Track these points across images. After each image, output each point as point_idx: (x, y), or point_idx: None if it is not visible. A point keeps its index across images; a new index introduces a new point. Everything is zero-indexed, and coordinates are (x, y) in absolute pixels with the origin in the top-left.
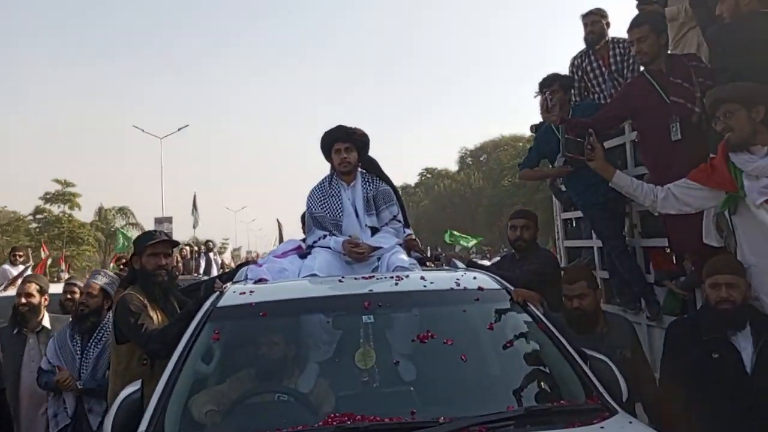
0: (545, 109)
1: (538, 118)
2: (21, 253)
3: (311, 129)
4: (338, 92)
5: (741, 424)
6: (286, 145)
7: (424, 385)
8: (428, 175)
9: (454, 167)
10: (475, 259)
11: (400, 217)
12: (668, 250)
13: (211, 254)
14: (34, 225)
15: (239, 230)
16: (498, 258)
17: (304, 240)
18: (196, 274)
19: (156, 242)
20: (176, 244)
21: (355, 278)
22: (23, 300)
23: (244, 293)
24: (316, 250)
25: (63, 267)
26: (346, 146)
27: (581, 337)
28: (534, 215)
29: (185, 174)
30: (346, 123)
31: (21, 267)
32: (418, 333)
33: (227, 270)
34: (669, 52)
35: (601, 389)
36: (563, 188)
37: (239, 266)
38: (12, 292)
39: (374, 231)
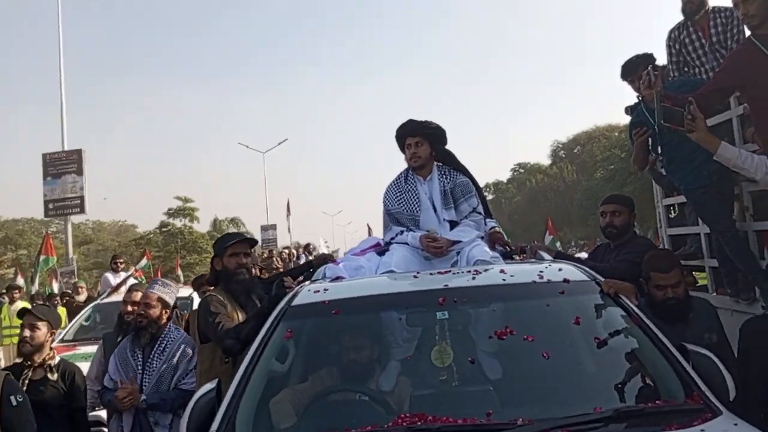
0: (648, 85)
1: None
2: (121, 260)
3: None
4: (427, 95)
5: None
6: (377, 150)
7: (503, 384)
8: (520, 170)
9: (546, 161)
10: (571, 252)
11: (480, 209)
12: None
13: (311, 257)
14: (161, 237)
15: (336, 233)
16: None
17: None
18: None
19: (236, 242)
20: (255, 243)
21: (431, 273)
22: (129, 308)
23: (318, 291)
24: (393, 247)
25: (179, 273)
26: (416, 140)
27: (668, 327)
28: (627, 200)
29: (286, 184)
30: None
31: (123, 274)
32: (496, 329)
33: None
34: None
35: (703, 387)
36: (664, 172)
37: (308, 263)
38: (115, 298)
39: (453, 225)
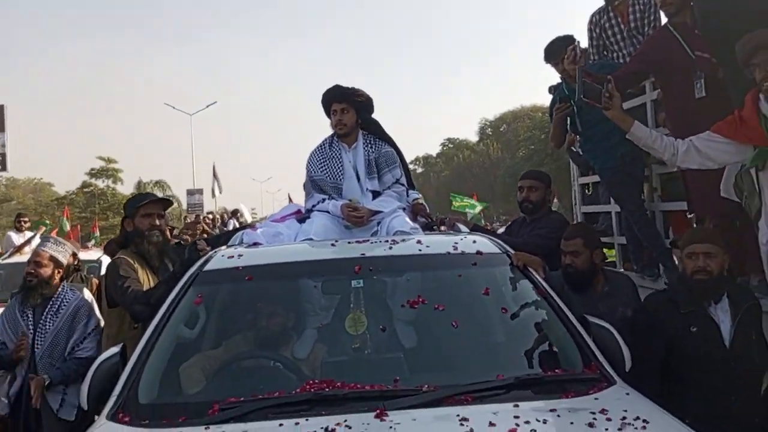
0: (572, 60)
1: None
2: (26, 219)
3: None
4: (359, 63)
5: (720, 397)
6: (308, 116)
7: (413, 352)
8: (450, 145)
9: (474, 138)
10: (495, 227)
11: (403, 180)
12: (689, 215)
13: (237, 222)
14: (82, 198)
15: (265, 200)
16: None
17: None
18: None
19: (148, 202)
20: (169, 204)
21: (349, 242)
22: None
23: (233, 257)
24: (314, 214)
25: (97, 234)
26: (342, 107)
27: (578, 296)
28: (544, 176)
29: (215, 147)
30: (368, 92)
31: (28, 234)
32: (409, 298)
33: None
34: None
35: (600, 358)
36: (580, 152)
37: (236, 230)
38: (17, 258)
39: (376, 195)
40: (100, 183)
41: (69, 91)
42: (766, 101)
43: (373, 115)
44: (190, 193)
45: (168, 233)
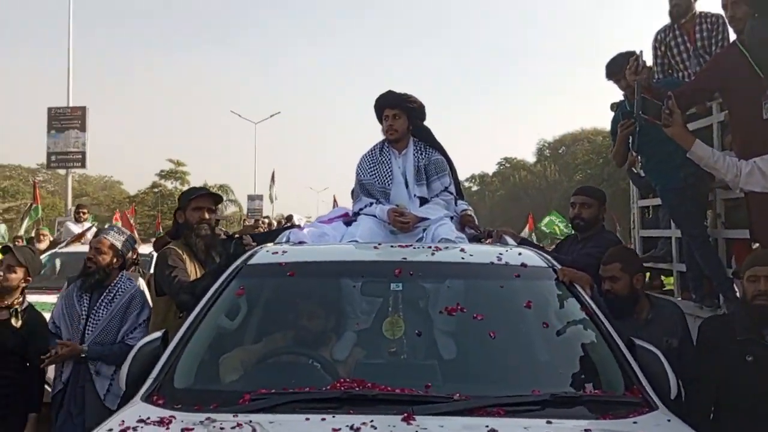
0: (634, 71)
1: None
2: (85, 210)
3: None
4: (424, 80)
5: None
6: (364, 126)
7: (448, 360)
8: (506, 165)
9: (532, 159)
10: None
11: (452, 188)
12: (753, 244)
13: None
14: (152, 197)
15: (321, 209)
16: None
17: None
18: None
19: (199, 196)
20: (220, 199)
21: (392, 246)
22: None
23: (277, 253)
24: (361, 218)
25: (160, 231)
26: (394, 113)
27: (622, 323)
28: (598, 193)
29: (276, 156)
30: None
31: (86, 224)
32: (447, 305)
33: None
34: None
35: (644, 382)
36: (641, 173)
37: (283, 229)
38: (76, 248)
39: (424, 201)
40: (169, 184)
41: (144, 96)
42: None
43: (427, 123)
44: (251, 198)
45: (215, 228)
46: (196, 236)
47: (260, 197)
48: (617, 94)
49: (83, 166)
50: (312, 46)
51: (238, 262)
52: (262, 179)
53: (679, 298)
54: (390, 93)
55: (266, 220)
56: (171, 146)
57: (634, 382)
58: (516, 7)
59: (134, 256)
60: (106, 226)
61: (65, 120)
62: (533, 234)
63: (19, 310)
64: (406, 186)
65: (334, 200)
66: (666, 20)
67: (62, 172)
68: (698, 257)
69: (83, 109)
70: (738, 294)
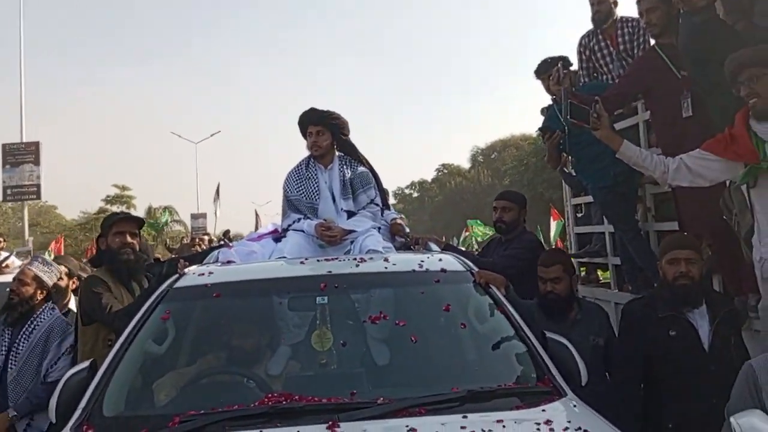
0: (556, 81)
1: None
2: (2, 239)
3: None
4: (362, 91)
5: (699, 402)
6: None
7: (375, 366)
8: (444, 171)
9: (467, 165)
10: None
11: (378, 200)
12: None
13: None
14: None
15: (264, 223)
16: None
17: None
18: None
19: (120, 220)
20: (142, 223)
21: (318, 260)
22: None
23: (203, 274)
24: (289, 234)
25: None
26: (318, 129)
27: (552, 323)
28: (518, 197)
29: (218, 173)
30: (365, 119)
31: (3, 253)
32: (372, 314)
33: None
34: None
35: (554, 372)
36: (573, 173)
37: (212, 248)
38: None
39: (351, 215)
40: (115, 209)
41: (86, 120)
42: (755, 119)
43: (369, 133)
44: (194, 217)
45: (139, 252)
46: (119, 261)
47: (204, 215)
48: (546, 98)
49: (38, 197)
50: (251, 62)
51: (165, 285)
52: (204, 198)
53: (617, 290)
54: (313, 110)
55: (206, 238)
56: (115, 169)
57: (546, 373)
58: (448, 17)
59: (74, 286)
60: (32, 255)
61: (19, 155)
62: (470, 237)
63: None
64: (333, 200)
65: (256, 215)
66: (589, 26)
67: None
68: (632, 250)
69: (37, 144)
70: None
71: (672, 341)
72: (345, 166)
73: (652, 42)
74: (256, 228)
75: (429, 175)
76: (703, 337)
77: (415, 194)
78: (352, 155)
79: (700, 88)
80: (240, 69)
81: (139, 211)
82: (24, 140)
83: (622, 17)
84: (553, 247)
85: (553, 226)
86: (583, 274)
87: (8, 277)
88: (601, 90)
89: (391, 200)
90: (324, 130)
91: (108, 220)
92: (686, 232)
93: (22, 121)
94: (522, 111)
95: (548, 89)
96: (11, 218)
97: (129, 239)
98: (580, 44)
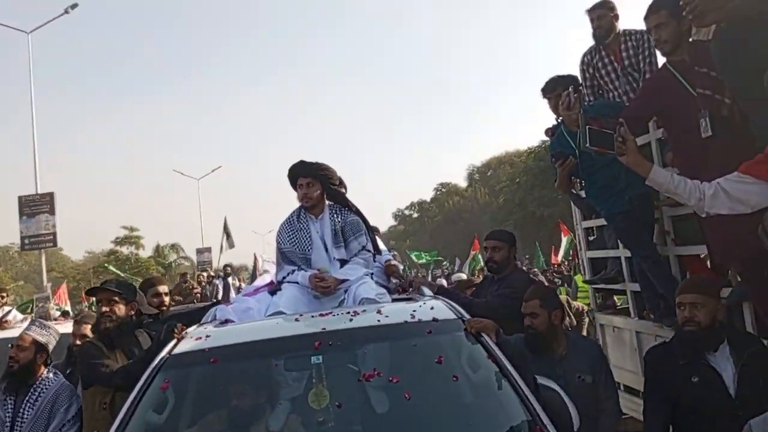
0: (566, 106)
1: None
2: (4, 294)
3: (330, 153)
4: (361, 113)
5: None
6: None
7: (370, 424)
8: (442, 190)
9: (463, 183)
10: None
11: (369, 246)
12: (702, 256)
13: (229, 279)
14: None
15: (267, 251)
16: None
17: None
18: (214, 300)
19: (96, 290)
20: (116, 292)
21: (312, 316)
22: (78, 342)
23: (200, 338)
24: (284, 286)
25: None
26: (307, 181)
27: (538, 359)
28: (507, 235)
29: (221, 205)
30: (363, 139)
31: (6, 308)
32: (366, 371)
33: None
34: (691, 39)
35: (545, 420)
36: (582, 194)
37: (211, 305)
38: (6, 333)
39: (344, 263)
40: (125, 249)
41: (91, 161)
42: None
43: (369, 157)
44: (199, 251)
45: (123, 317)
46: (97, 332)
47: (209, 249)
48: (541, 116)
49: (55, 245)
50: (248, 90)
51: (164, 352)
52: (208, 232)
53: (636, 319)
54: (302, 163)
55: (204, 274)
56: (121, 209)
57: (537, 422)
58: (441, 37)
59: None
60: (14, 310)
61: (35, 206)
62: (479, 254)
63: None
64: (326, 250)
65: (255, 258)
66: (590, 42)
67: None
68: (651, 277)
69: (51, 194)
70: None
71: (695, 388)
72: (335, 215)
73: (659, 56)
74: (254, 271)
75: (428, 195)
76: (728, 381)
77: (415, 215)
78: (342, 203)
79: (743, 104)
80: (237, 99)
81: (148, 250)
82: (39, 191)
83: (624, 30)
84: (558, 262)
85: (564, 241)
86: (599, 300)
87: (9, 333)
88: (611, 108)
89: (392, 222)
90: (314, 181)
91: (90, 291)
92: (713, 260)
93: (36, 173)
94: (516, 127)
95: (554, 109)
96: (18, 262)
97: (105, 308)
98: (582, 62)
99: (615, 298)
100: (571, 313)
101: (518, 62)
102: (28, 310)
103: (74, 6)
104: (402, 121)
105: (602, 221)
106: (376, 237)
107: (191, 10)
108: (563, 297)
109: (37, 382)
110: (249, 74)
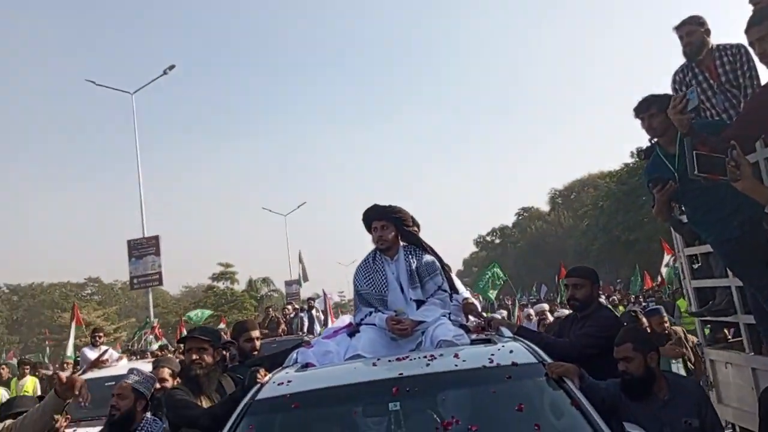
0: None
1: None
2: (101, 334)
3: (417, 181)
4: (440, 143)
5: None
6: (387, 198)
7: None
8: (524, 214)
9: (545, 207)
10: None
11: (445, 286)
12: None
13: (313, 311)
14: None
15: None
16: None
17: None
18: (300, 333)
19: (186, 339)
20: (205, 340)
21: (389, 360)
22: (158, 386)
23: (282, 384)
24: (362, 328)
25: (224, 326)
26: (382, 224)
27: (639, 404)
28: (589, 272)
29: (307, 239)
30: (436, 169)
31: (102, 348)
32: (444, 419)
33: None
34: None
35: None
36: (684, 219)
37: (293, 348)
38: (92, 374)
39: (420, 303)
40: (221, 285)
41: (186, 200)
42: None
43: (449, 184)
44: (288, 284)
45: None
46: (186, 379)
47: (297, 281)
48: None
49: (160, 284)
50: (327, 130)
51: (247, 398)
52: (296, 265)
53: (752, 354)
54: (375, 207)
55: (290, 308)
56: (216, 246)
57: None
58: (516, 57)
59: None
60: (110, 350)
61: (143, 248)
62: (564, 281)
63: None
64: (402, 291)
65: (324, 295)
66: (681, 60)
67: None
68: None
69: (157, 237)
70: None
71: None
72: (410, 256)
73: (759, 67)
74: (325, 306)
75: (508, 220)
76: None
77: (497, 240)
78: (416, 244)
79: None
80: (321, 137)
81: (242, 284)
82: (145, 235)
83: (717, 45)
84: (657, 283)
85: (666, 259)
86: (707, 333)
87: (106, 372)
88: (711, 128)
89: (474, 249)
90: (388, 224)
91: (181, 340)
92: None
93: (143, 218)
94: (597, 150)
95: (649, 128)
96: (121, 298)
97: (194, 356)
98: (674, 81)
99: (725, 330)
100: (688, 346)
101: (596, 79)
102: (135, 338)
103: (172, 67)
104: (478, 144)
105: (707, 248)
106: (452, 275)
107: (278, 58)
108: (678, 328)
109: (138, 429)
110: (327, 112)
